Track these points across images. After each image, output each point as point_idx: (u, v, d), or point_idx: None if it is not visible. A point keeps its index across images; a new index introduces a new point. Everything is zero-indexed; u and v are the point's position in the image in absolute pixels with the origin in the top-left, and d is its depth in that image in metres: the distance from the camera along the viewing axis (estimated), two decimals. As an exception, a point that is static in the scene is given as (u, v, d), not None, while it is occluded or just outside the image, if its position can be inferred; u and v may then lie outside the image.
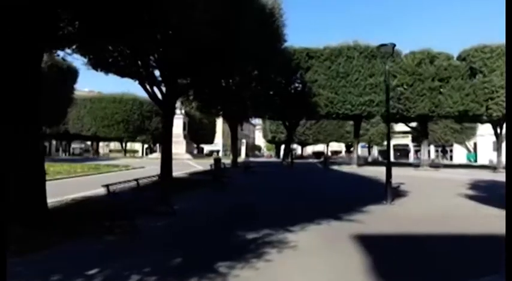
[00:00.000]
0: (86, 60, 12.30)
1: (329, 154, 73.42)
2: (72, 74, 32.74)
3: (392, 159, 45.00)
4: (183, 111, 38.43)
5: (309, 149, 76.72)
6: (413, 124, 30.31)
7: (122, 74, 13.73)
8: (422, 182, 16.68)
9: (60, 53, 10.08)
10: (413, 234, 6.18)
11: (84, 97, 49.48)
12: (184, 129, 42.09)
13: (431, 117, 25.90)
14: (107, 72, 14.74)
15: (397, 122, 31.08)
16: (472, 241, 5.73)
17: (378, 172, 22.45)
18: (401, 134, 54.03)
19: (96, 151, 61.67)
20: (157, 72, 13.89)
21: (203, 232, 6.19)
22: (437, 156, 54.23)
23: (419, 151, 60.99)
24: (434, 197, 11.12)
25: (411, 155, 59.21)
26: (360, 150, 65.94)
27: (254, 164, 23.58)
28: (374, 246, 5.28)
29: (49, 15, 6.69)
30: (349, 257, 4.69)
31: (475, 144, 48.12)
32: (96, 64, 12.61)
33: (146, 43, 10.14)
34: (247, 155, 72.81)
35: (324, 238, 5.77)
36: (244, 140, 50.82)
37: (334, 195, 11.61)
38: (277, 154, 67.61)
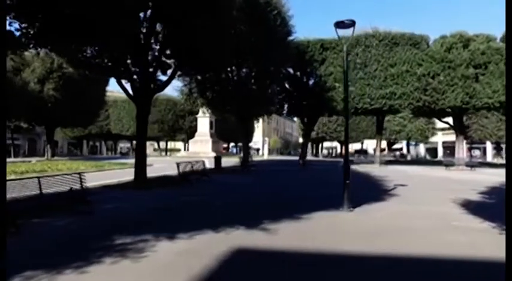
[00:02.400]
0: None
1: (371, 151, 69.42)
2: (104, 78, 34.89)
3: (440, 157, 40.72)
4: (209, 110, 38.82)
5: (351, 147, 73.12)
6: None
7: (107, 73, 14.01)
8: (432, 184, 14.54)
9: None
10: (325, 253, 4.92)
11: (124, 99, 52.77)
12: (211, 128, 42.59)
13: (466, 109, 22.60)
14: (90, 71, 15.28)
15: (424, 116, 27.88)
16: (405, 271, 4.27)
17: (397, 172, 20.29)
18: (451, 131, 48.68)
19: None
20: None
21: (87, 234, 5.80)
22: (495, 154, 47.88)
23: (472, 148, 54.82)
24: (422, 203, 9.40)
25: (463, 152, 52.96)
26: (405, 148, 61.64)
27: (271, 163, 22.86)
28: (239, 267, 4.41)
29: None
30: None
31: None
32: (74, 64, 12.98)
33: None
34: (280, 152, 72.09)
35: (194, 250, 4.97)
36: (267, 138, 49.89)
37: (300, 198, 10.46)
38: (312, 152, 65.51)
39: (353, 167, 25.47)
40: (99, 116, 40.19)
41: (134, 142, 63.15)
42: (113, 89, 53.32)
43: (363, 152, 54.82)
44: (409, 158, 45.47)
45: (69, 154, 54.65)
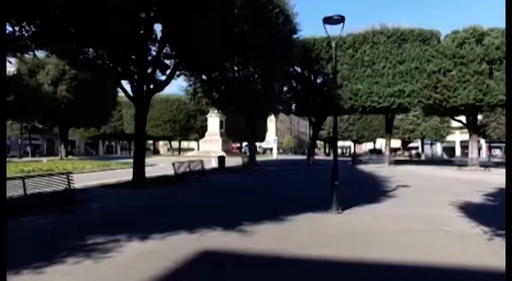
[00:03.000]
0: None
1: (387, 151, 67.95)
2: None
3: (458, 156, 39.13)
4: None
5: (364, 146, 72.03)
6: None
7: (108, 74, 14.23)
8: (437, 185, 14.02)
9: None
10: (299, 258, 4.73)
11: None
12: (221, 127, 42.78)
13: (479, 107, 21.65)
14: (92, 72, 15.56)
15: (436, 114, 26.90)
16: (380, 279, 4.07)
17: (405, 172, 19.71)
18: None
19: (154, 150, 66.70)
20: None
21: (61, 233, 5.88)
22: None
23: (492, 147, 52.60)
24: (418, 205, 9.04)
25: (483, 152, 50.94)
26: (420, 147, 59.88)
27: (278, 163, 22.41)
28: (197, 270, 4.34)
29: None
30: None
31: None
32: (75, 65, 13.25)
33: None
34: (294, 152, 71.72)
35: (161, 251, 4.94)
36: (276, 138, 49.71)
37: (291, 198, 10.28)
38: (325, 151, 64.73)
39: (360, 166, 25.07)
40: (112, 116, 41.06)
41: (150, 141, 64.53)
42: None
43: (376, 151, 53.66)
44: (423, 157, 44.07)
45: (86, 153, 56.21)
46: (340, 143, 67.73)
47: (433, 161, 38.45)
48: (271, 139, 69.70)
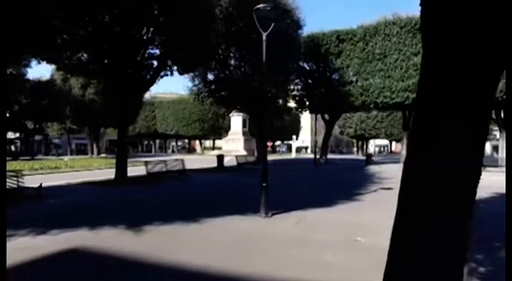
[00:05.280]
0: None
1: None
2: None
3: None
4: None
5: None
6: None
7: (98, 77, 15.02)
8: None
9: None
10: (166, 265, 4.60)
11: (168, 100, 56.22)
12: (244, 126, 42.82)
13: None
14: (84, 76, 16.46)
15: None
16: None
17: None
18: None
19: (189, 148, 69.12)
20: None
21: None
22: None
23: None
24: (369, 211, 8.32)
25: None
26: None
27: (290, 162, 21.58)
28: (44, 268, 4.45)
29: None
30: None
31: None
32: (67, 70, 14.18)
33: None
34: (331, 151, 69.28)
35: (34, 247, 5.17)
36: (294, 137, 48.52)
37: (241, 198, 10.12)
38: (357, 150, 61.81)
39: (371, 166, 23.50)
40: (146, 117, 43.27)
41: (186, 140, 67.00)
42: (157, 91, 57.45)
43: None
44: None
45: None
46: (373, 142, 64.46)
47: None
48: (306, 138, 68.23)
